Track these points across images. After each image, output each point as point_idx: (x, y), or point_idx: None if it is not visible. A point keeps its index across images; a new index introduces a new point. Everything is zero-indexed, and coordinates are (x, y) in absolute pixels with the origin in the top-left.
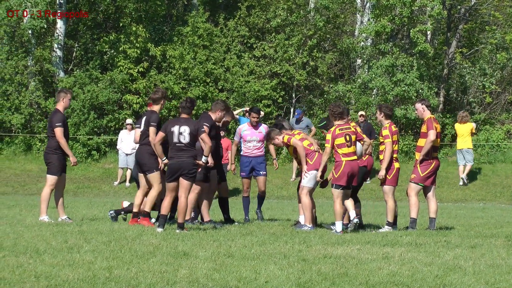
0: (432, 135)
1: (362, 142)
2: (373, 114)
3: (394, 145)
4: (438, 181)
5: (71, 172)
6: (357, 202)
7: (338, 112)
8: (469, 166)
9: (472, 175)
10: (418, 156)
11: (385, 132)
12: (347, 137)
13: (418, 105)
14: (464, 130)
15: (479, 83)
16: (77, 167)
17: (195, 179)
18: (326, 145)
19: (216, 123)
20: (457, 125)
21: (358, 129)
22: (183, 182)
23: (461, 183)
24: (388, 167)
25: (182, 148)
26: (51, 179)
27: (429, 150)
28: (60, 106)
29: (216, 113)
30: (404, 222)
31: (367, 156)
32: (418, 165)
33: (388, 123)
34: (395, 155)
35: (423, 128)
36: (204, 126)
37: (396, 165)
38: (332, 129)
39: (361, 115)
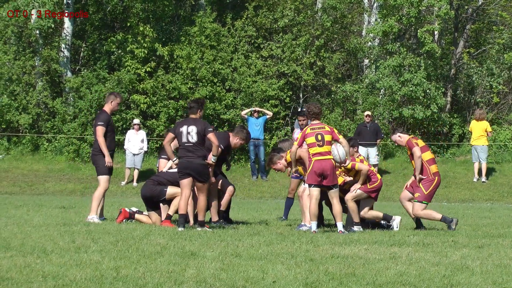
0: (417, 151)
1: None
2: (380, 114)
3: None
4: (446, 181)
5: (79, 172)
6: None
7: (313, 112)
8: (484, 165)
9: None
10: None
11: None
12: (319, 137)
13: (394, 137)
14: (479, 127)
15: (487, 83)
16: (84, 167)
17: (208, 179)
18: (294, 142)
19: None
20: (473, 122)
21: (335, 130)
22: (198, 185)
23: (475, 179)
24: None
25: (190, 148)
26: (103, 179)
27: (425, 166)
28: (108, 108)
29: (236, 139)
30: (411, 222)
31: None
32: (420, 183)
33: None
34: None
35: (409, 152)
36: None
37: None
38: (305, 128)
39: (367, 115)
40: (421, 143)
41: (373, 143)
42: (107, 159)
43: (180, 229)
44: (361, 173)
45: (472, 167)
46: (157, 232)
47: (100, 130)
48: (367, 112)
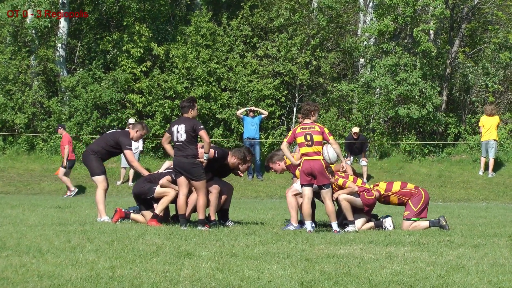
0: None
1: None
2: (376, 114)
3: None
4: (441, 180)
5: (74, 171)
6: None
7: (304, 110)
8: (492, 161)
9: (475, 174)
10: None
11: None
12: (308, 137)
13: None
14: (491, 123)
15: (482, 82)
16: (80, 167)
17: (202, 177)
18: (284, 139)
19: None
20: (484, 118)
21: (326, 130)
22: (193, 183)
23: (481, 173)
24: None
25: (179, 146)
26: (99, 180)
27: (404, 198)
28: (132, 133)
29: (233, 158)
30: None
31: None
32: (409, 201)
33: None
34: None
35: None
36: (213, 150)
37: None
38: (296, 126)
39: (355, 132)
40: (382, 185)
41: (360, 150)
42: (145, 173)
43: (183, 228)
44: (349, 188)
45: (470, 166)
46: (153, 231)
47: (130, 154)
48: (354, 130)
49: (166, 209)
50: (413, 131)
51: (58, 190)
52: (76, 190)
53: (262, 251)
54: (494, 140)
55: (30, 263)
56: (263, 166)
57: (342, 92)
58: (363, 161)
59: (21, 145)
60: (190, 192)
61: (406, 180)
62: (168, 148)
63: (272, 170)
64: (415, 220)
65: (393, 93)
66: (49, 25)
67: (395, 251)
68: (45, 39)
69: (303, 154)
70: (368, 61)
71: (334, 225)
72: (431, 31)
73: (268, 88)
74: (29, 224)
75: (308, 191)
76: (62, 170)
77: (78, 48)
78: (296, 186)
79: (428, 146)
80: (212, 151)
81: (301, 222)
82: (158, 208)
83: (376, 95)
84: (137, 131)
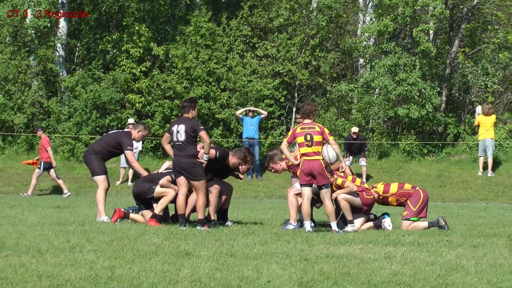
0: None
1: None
2: (375, 114)
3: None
4: (440, 180)
5: (73, 171)
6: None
7: (304, 109)
8: (490, 160)
9: (474, 175)
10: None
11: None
12: (308, 137)
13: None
14: (488, 122)
15: (482, 82)
16: (79, 167)
17: (201, 177)
18: (284, 139)
19: (230, 164)
20: (481, 117)
21: (326, 130)
22: (192, 183)
23: (480, 173)
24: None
25: (179, 146)
26: (100, 180)
27: (403, 199)
28: (133, 134)
29: (234, 158)
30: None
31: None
32: (408, 201)
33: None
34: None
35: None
36: (214, 150)
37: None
38: (296, 126)
39: (354, 132)
40: (380, 187)
41: (359, 150)
42: (145, 174)
43: (182, 228)
44: (348, 188)
45: (469, 166)
46: (152, 231)
47: (131, 155)
48: (354, 130)
49: (166, 209)
50: (412, 131)
51: (57, 190)
52: (29, 197)
53: (261, 251)
54: (491, 139)
55: (29, 263)
56: (263, 166)
57: (342, 92)
58: (362, 161)
59: (20, 145)
60: (189, 192)
61: (405, 180)
62: (168, 148)
63: (273, 170)
64: (414, 220)
65: (393, 93)
66: (49, 25)
67: (394, 251)
68: (45, 39)
69: (303, 154)
70: (367, 61)
71: (333, 225)
72: (431, 31)
73: (267, 88)
74: (28, 224)
75: (307, 191)
76: (37, 172)
77: (77, 48)
78: (298, 185)
79: (427, 146)
80: (213, 151)
81: (300, 222)
82: (158, 208)
83: (376, 95)
84: (139, 131)
